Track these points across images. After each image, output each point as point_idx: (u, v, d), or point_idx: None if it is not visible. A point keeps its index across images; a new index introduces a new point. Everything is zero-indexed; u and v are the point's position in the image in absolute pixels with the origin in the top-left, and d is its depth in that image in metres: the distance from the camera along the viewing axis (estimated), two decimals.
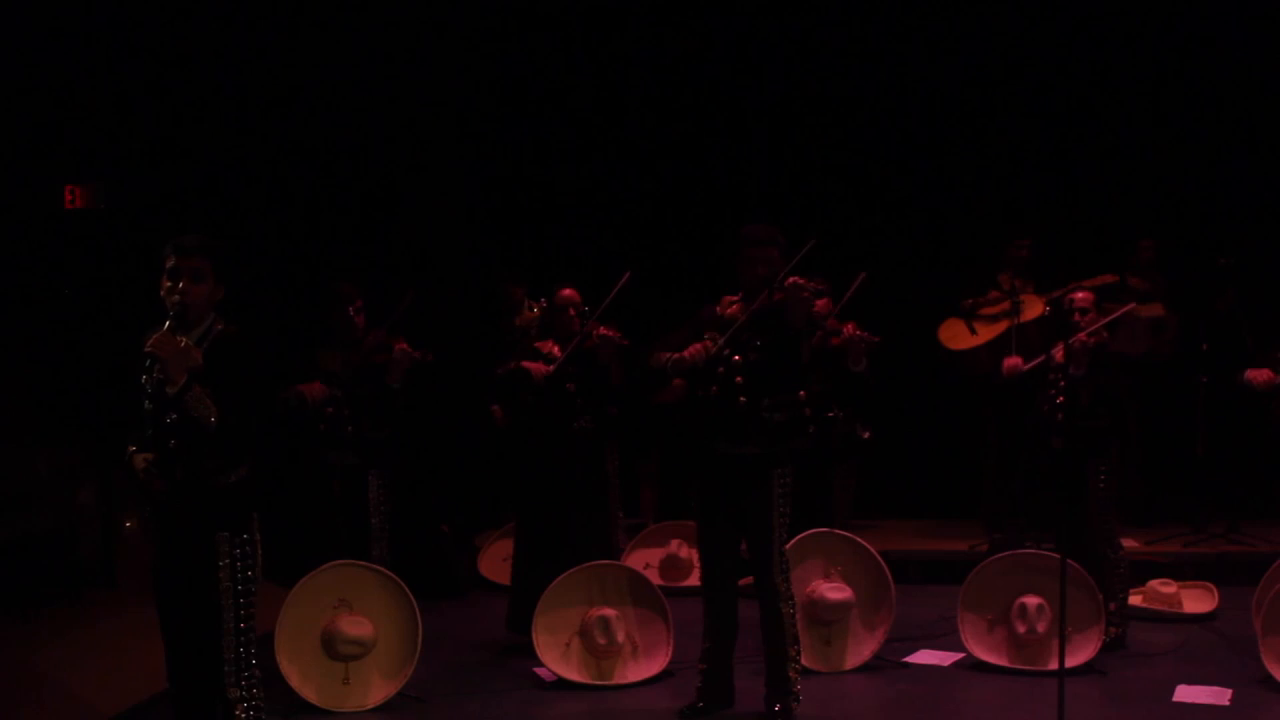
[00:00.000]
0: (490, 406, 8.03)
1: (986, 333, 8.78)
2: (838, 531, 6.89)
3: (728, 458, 5.68)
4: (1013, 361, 7.08)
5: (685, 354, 5.63)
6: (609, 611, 6.46)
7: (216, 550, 4.42)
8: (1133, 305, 8.36)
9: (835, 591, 6.59)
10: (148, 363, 4.39)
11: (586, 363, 7.08)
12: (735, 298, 5.78)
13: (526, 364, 7.10)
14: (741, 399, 5.63)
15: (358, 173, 9.52)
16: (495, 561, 8.66)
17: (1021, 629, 6.47)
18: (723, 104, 10.17)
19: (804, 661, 5.97)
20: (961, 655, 6.70)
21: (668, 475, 9.30)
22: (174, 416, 4.37)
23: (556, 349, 7.11)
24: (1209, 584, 7.73)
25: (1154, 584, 7.57)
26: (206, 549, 4.41)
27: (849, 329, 7.19)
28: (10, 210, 8.06)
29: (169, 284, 4.44)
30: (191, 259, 4.44)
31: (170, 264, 4.45)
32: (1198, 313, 8.51)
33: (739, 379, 5.64)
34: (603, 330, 7.08)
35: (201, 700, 4.50)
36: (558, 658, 6.44)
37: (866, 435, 7.69)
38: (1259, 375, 6.48)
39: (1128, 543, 7.44)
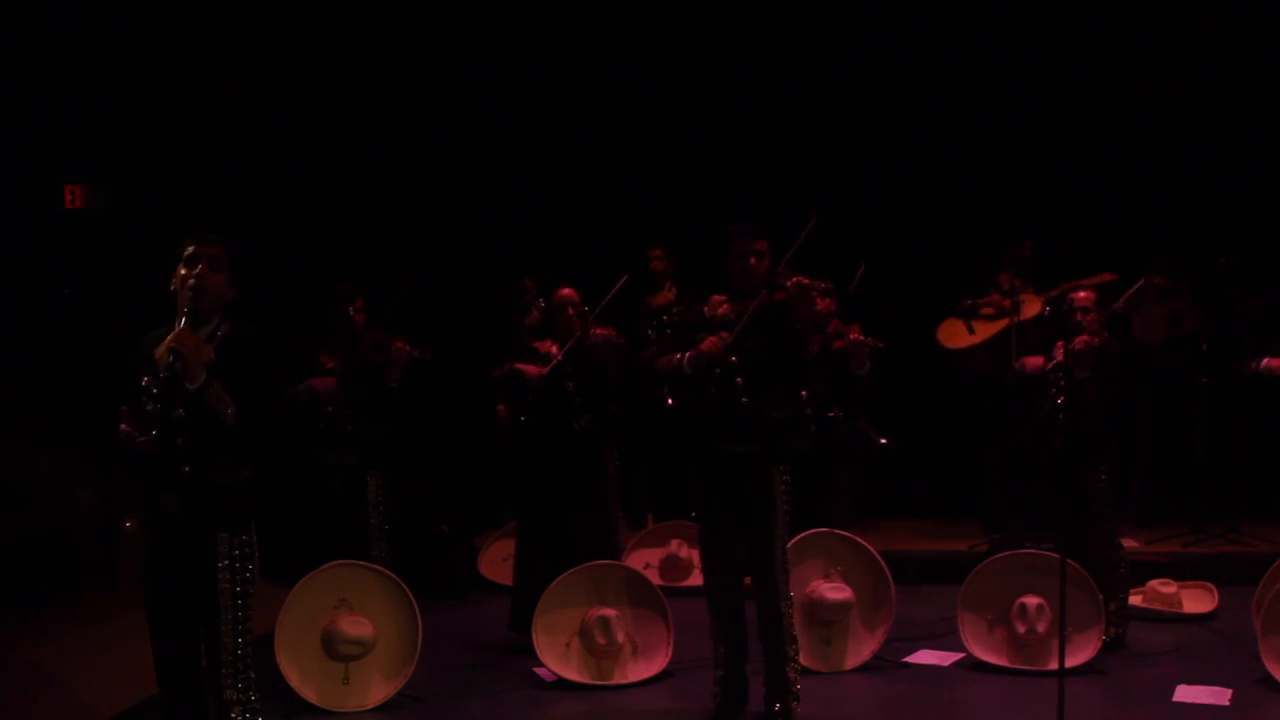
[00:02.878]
0: (496, 406, 8.03)
1: (985, 332, 8.76)
2: (838, 531, 6.88)
3: (730, 457, 5.63)
4: (1035, 360, 6.95)
5: (703, 347, 5.47)
6: (609, 611, 6.46)
7: (216, 550, 4.37)
8: (1141, 282, 8.21)
9: (835, 591, 6.58)
10: (170, 359, 4.26)
11: (585, 362, 7.08)
12: (723, 298, 5.68)
13: (521, 366, 7.09)
14: (744, 399, 5.55)
15: (359, 171, 9.51)
16: (495, 561, 8.65)
17: (1021, 629, 6.46)
18: (725, 104, 10.15)
19: (804, 661, 5.96)
20: (961, 655, 6.70)
21: (663, 474, 9.29)
22: (181, 412, 4.32)
23: (555, 349, 7.11)
24: (1209, 584, 7.72)
25: (1154, 584, 7.56)
26: (206, 549, 4.37)
27: (854, 333, 7.19)
28: (10, 210, 8.06)
29: (184, 271, 4.39)
30: (211, 246, 4.42)
31: (189, 251, 4.40)
32: (1221, 317, 8.47)
33: (739, 379, 5.57)
34: (599, 330, 7.09)
35: (191, 703, 4.47)
36: (558, 658, 6.44)
37: (884, 442, 7.67)
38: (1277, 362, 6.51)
39: (1128, 543, 7.43)
